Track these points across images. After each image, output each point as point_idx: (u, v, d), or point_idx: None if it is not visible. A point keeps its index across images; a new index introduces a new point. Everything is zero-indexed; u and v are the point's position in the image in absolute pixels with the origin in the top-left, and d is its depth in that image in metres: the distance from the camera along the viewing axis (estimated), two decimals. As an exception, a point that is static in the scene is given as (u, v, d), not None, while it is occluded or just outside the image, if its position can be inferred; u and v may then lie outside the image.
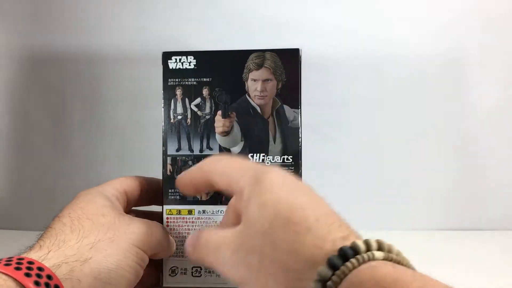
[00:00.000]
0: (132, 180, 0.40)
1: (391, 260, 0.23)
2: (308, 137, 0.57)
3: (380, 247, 0.24)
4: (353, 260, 0.23)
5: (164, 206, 0.39)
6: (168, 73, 0.40)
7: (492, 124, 0.61)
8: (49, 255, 0.29)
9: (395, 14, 0.59)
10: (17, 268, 0.27)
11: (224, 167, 0.31)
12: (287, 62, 0.38)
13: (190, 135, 0.39)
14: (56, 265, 0.29)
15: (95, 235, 0.32)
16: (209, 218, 0.39)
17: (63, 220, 0.33)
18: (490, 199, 0.61)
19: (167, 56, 0.40)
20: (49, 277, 0.27)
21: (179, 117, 0.39)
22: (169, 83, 0.40)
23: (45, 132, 0.62)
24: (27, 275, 0.26)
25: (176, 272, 0.39)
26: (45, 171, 0.61)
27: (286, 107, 0.39)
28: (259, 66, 0.38)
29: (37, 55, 0.60)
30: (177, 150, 0.39)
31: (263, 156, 0.39)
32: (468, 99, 0.60)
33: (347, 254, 0.23)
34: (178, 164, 0.39)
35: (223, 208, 0.39)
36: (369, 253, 0.23)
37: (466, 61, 0.60)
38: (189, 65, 0.40)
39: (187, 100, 0.39)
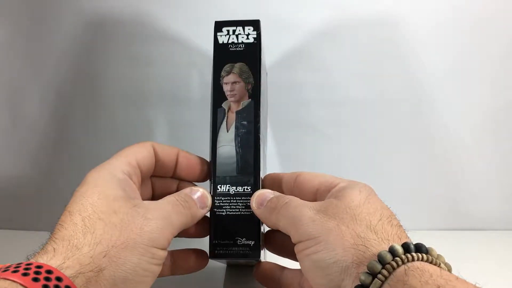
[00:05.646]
0: (144, 148, 0.40)
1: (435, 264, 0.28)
2: (308, 137, 0.61)
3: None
4: (418, 253, 0.28)
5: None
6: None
7: (493, 124, 0.60)
8: (65, 264, 0.29)
9: (395, 14, 0.58)
10: (25, 275, 0.26)
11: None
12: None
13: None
14: (73, 276, 0.28)
15: (108, 240, 0.31)
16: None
17: (74, 219, 0.32)
18: (491, 199, 0.61)
19: None
20: (58, 279, 0.27)
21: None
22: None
23: (45, 132, 0.60)
24: (35, 279, 0.26)
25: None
26: (45, 171, 0.60)
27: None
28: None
29: (38, 53, 0.59)
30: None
31: None
32: (470, 99, 0.60)
33: (421, 248, 0.29)
34: None
35: None
36: (428, 255, 0.29)
37: (468, 61, 0.59)
38: None
39: None
